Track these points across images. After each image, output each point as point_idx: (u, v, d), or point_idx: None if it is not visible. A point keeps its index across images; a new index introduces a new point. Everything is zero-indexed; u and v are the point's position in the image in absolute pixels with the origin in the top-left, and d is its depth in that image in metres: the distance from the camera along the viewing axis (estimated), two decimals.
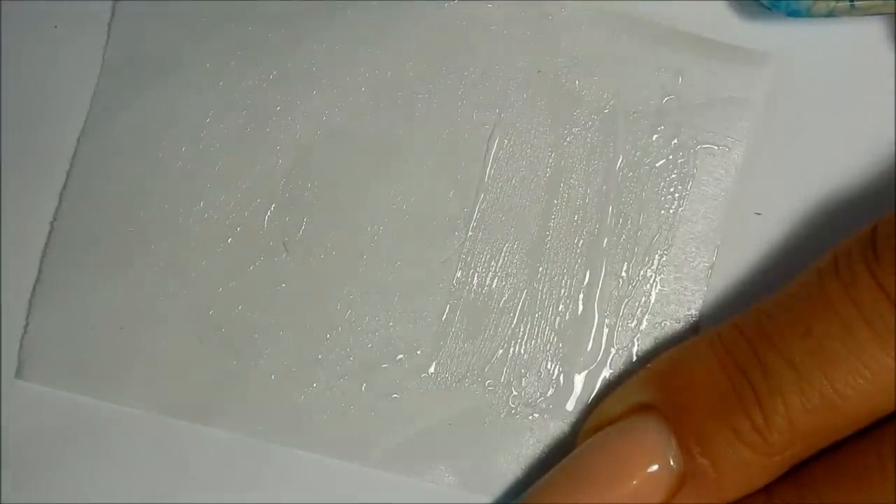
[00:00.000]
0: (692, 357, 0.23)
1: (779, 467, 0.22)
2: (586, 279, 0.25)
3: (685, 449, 0.22)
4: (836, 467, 0.22)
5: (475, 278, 0.25)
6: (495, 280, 0.25)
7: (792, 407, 0.21)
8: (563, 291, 0.25)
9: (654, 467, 0.22)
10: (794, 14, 0.24)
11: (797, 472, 0.22)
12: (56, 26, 0.26)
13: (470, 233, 0.26)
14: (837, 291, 0.21)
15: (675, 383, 0.22)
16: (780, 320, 0.22)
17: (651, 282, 0.25)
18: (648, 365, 0.24)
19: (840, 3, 0.24)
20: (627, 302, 0.25)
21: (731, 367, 0.22)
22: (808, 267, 0.22)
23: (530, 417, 0.25)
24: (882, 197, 0.25)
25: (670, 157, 0.26)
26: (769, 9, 0.24)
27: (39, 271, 0.25)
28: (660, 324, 0.25)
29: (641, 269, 0.25)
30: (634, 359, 0.25)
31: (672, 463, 0.22)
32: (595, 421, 0.24)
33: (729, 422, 0.21)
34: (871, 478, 0.21)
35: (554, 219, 0.26)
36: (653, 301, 0.25)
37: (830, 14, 0.24)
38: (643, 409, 0.23)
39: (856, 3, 0.24)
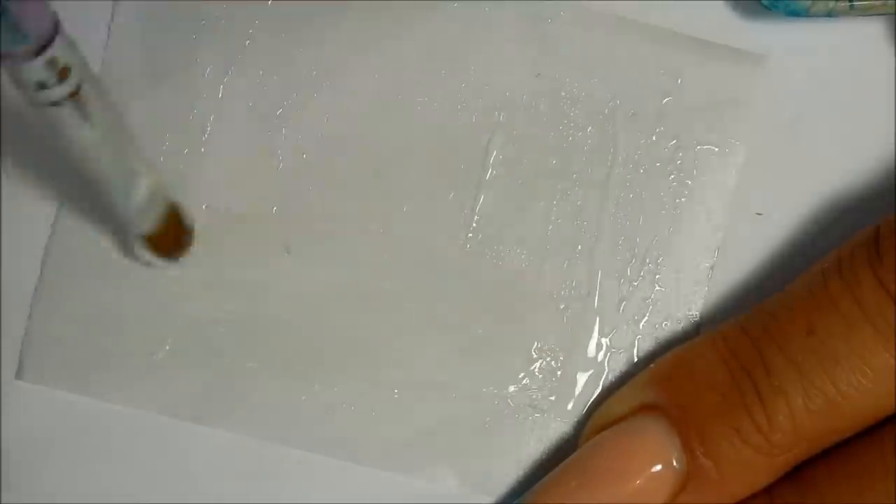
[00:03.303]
0: (695, 357, 0.23)
1: (781, 467, 0.22)
2: (587, 280, 0.25)
3: (688, 449, 0.22)
4: (838, 467, 0.22)
5: (475, 279, 0.25)
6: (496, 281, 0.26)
7: (795, 407, 0.21)
8: (563, 292, 0.25)
9: (658, 467, 0.22)
10: (794, 14, 0.24)
11: (799, 473, 0.22)
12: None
13: (470, 234, 0.26)
14: (840, 290, 0.21)
15: (679, 383, 0.22)
16: (784, 319, 0.22)
17: (651, 282, 0.25)
18: (651, 365, 0.24)
19: (839, 4, 0.24)
20: (628, 302, 0.25)
21: (735, 366, 0.22)
22: (812, 266, 0.23)
23: (531, 417, 0.25)
24: (882, 196, 0.25)
25: (670, 158, 0.26)
26: (768, 9, 0.24)
27: (41, 272, 0.25)
28: (660, 324, 0.25)
29: (642, 269, 0.25)
30: (635, 359, 0.25)
31: (675, 463, 0.22)
32: (599, 421, 0.24)
33: (732, 422, 0.21)
34: (872, 477, 0.21)
35: (554, 221, 0.26)
36: (653, 301, 0.25)
37: (830, 14, 0.24)
38: (647, 409, 0.23)
39: (855, 3, 0.24)
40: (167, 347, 0.25)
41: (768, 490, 0.22)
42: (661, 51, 0.26)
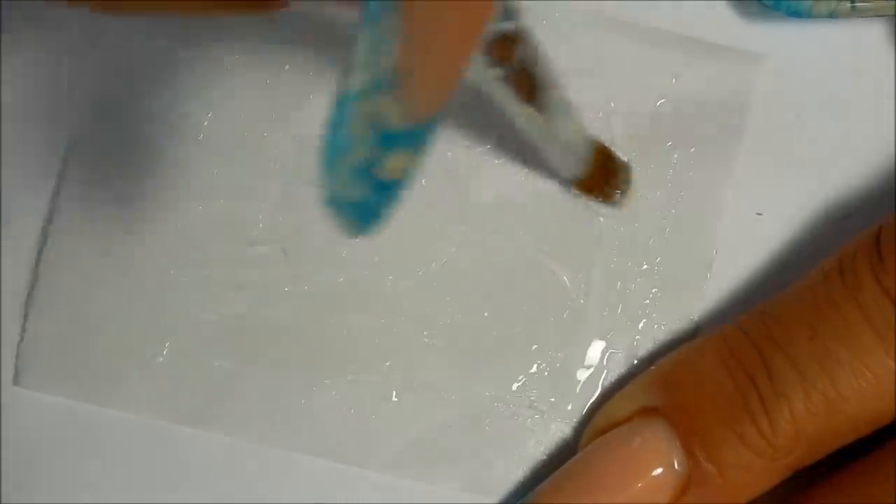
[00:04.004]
0: (696, 360, 0.23)
1: (783, 471, 0.22)
2: (585, 280, 0.25)
3: (690, 454, 0.22)
4: (853, 478, 0.22)
5: (474, 280, 0.25)
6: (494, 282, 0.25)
7: (797, 411, 0.21)
8: (562, 293, 0.25)
9: (659, 471, 0.22)
10: (795, 15, 0.24)
11: (819, 481, 0.22)
12: (56, 27, 0.26)
13: (467, 235, 0.25)
14: (842, 294, 0.21)
15: (680, 387, 0.22)
16: (786, 323, 0.22)
17: (650, 282, 0.25)
18: (652, 367, 0.24)
19: (841, 4, 0.24)
20: (626, 302, 0.25)
21: (737, 370, 0.22)
22: (813, 268, 0.23)
23: (531, 419, 0.25)
24: (883, 196, 0.25)
25: (667, 158, 0.26)
26: (770, 9, 0.24)
27: (35, 277, 0.25)
28: (659, 324, 0.25)
29: (640, 269, 0.25)
30: (634, 359, 0.25)
31: (676, 466, 0.22)
32: (599, 423, 0.24)
33: (734, 427, 0.21)
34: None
35: (551, 221, 0.25)
36: (651, 301, 0.25)
37: (831, 15, 0.24)
38: (648, 412, 0.22)
39: (857, 4, 0.24)
40: (165, 352, 0.25)
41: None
42: (656, 51, 0.26)
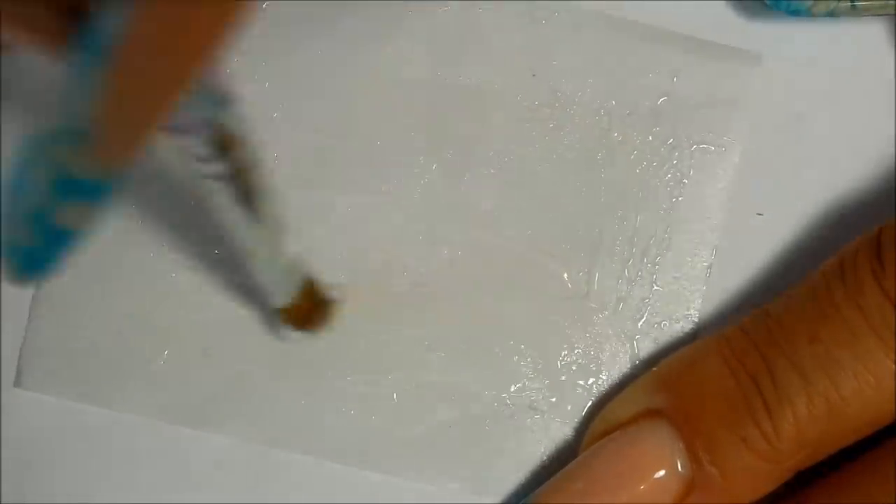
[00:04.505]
0: (699, 361, 0.23)
1: (785, 473, 0.22)
2: (585, 280, 0.25)
3: (693, 456, 0.22)
4: (857, 477, 0.22)
5: (473, 280, 0.25)
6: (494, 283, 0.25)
7: (799, 414, 0.21)
8: (561, 293, 0.25)
9: (661, 473, 0.22)
10: (795, 13, 0.24)
11: (823, 478, 0.22)
12: None
13: (467, 236, 0.25)
14: (843, 297, 0.21)
15: (684, 389, 0.22)
16: (788, 325, 0.22)
17: (650, 282, 0.25)
18: (655, 368, 0.24)
19: (841, 4, 0.24)
20: (626, 302, 0.25)
21: (740, 372, 0.22)
22: (815, 269, 0.23)
23: (531, 419, 0.25)
24: (882, 197, 0.25)
25: (666, 157, 0.25)
26: (770, 8, 0.24)
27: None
28: (658, 324, 0.25)
29: (640, 269, 0.25)
30: (635, 360, 0.25)
31: (680, 469, 0.22)
32: (602, 425, 0.24)
33: (738, 431, 0.21)
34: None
35: (551, 221, 0.25)
36: (652, 301, 0.25)
37: (831, 14, 0.24)
38: (651, 414, 0.22)
39: (857, 3, 0.24)
40: (165, 353, 0.25)
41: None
42: (656, 50, 0.26)
